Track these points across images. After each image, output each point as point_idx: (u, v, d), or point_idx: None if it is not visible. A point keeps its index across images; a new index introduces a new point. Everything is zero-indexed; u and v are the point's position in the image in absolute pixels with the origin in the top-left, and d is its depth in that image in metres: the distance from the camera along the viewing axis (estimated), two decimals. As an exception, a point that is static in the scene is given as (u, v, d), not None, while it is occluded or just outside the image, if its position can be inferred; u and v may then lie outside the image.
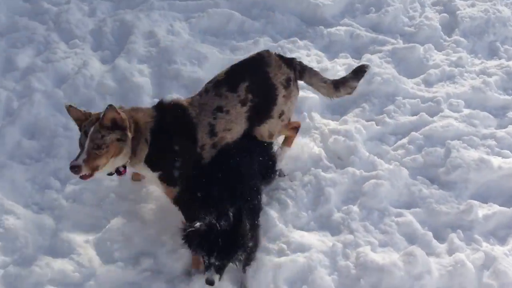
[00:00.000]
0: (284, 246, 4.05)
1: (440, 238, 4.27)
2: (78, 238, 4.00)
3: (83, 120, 3.63)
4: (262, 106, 4.00)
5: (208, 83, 4.05)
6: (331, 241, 4.16)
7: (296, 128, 4.47)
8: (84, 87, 5.03)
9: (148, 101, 5.02)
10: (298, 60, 4.29)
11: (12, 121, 4.72)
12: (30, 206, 4.21)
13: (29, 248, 3.89)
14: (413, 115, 5.19)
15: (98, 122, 3.52)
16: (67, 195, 4.26)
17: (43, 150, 4.56)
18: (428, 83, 5.61)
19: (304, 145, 4.79)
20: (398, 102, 5.26)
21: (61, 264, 3.83)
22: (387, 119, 5.10)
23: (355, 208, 4.37)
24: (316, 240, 4.16)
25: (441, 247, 4.19)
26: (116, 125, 3.52)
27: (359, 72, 4.41)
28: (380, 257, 4.01)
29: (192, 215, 3.71)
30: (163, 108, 3.84)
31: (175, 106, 3.87)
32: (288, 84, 4.09)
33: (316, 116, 5.10)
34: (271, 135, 4.17)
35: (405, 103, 5.25)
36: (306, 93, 5.20)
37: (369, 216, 4.35)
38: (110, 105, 3.48)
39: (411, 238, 4.22)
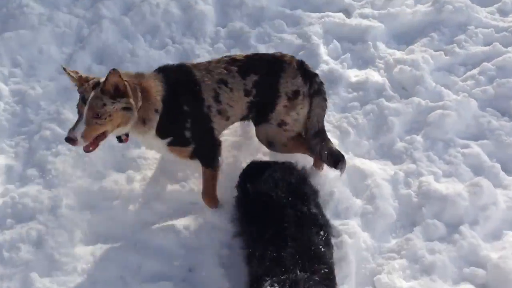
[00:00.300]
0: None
1: (508, 170, 4.14)
2: (144, 162, 4.16)
3: (80, 84, 3.26)
4: (260, 107, 3.69)
5: (224, 57, 3.76)
6: (393, 170, 4.13)
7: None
8: (150, 15, 5.10)
9: (211, 29, 5.07)
10: (320, 80, 3.81)
11: (83, 47, 4.91)
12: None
13: (98, 165, 4.09)
14: (485, 45, 4.95)
15: (99, 87, 3.15)
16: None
17: (112, 75, 4.71)
18: (504, 13, 5.29)
19: (368, 74, 4.70)
20: (470, 31, 5.02)
21: (129, 180, 4.03)
22: (457, 49, 4.89)
23: (418, 138, 4.29)
24: (378, 168, 4.13)
25: (509, 180, 4.07)
26: (119, 93, 3.16)
27: (333, 161, 3.77)
28: (444, 187, 3.95)
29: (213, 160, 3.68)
30: (169, 73, 3.54)
31: (180, 68, 3.62)
32: (295, 96, 3.67)
33: (381, 45, 4.98)
34: (270, 143, 3.78)
35: (478, 32, 5.01)
36: (371, 21, 5.08)
37: (434, 146, 4.26)
38: (114, 69, 3.10)
39: (477, 170, 4.11)
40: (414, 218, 3.88)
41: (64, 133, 4.14)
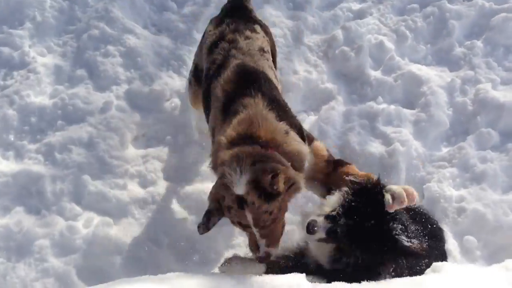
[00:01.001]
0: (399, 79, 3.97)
1: None
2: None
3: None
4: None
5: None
6: (449, 76, 4.01)
7: None
8: None
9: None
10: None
11: None
12: (148, 27, 4.29)
13: (148, 67, 4.03)
14: None
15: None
16: (184, 16, 4.27)
17: (158, -29, 4.51)
18: None
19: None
20: None
21: (180, 84, 3.99)
22: None
23: (479, 43, 4.11)
24: (434, 74, 4.01)
25: None
26: None
27: None
28: (502, 94, 3.83)
29: None
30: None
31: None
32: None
33: None
34: None
35: None
36: None
37: (494, 52, 4.09)
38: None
39: (539, 76, 3.95)
40: (467, 127, 3.82)
41: (113, 32, 4.09)
